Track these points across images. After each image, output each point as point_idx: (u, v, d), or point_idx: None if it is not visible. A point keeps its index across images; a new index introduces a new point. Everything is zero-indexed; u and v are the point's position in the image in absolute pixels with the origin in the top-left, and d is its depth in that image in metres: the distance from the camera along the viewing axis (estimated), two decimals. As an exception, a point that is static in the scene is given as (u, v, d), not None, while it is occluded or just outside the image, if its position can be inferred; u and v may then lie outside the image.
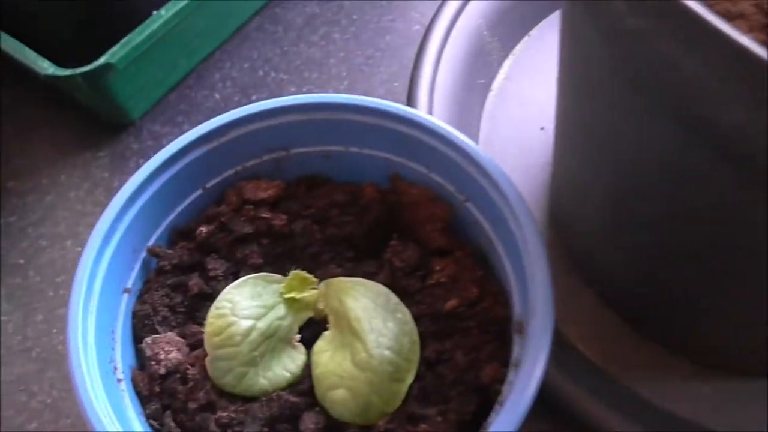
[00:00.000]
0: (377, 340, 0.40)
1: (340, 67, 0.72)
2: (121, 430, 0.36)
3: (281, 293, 0.43)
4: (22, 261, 0.62)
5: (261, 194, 0.47)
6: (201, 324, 0.43)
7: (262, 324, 0.40)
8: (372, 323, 0.40)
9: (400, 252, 0.45)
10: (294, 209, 0.47)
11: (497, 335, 0.41)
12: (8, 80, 0.73)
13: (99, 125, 0.69)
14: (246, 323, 0.39)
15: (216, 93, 0.72)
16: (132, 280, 0.45)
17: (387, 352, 0.39)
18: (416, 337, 0.41)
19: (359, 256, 0.47)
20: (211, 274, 0.45)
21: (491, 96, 0.67)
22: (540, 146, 0.62)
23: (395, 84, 0.71)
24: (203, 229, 0.44)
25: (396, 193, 0.47)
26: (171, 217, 0.47)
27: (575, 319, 0.54)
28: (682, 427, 0.46)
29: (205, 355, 0.38)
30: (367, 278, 0.44)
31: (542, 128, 0.63)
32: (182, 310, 0.44)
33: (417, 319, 0.42)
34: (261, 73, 0.72)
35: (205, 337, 0.38)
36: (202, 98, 0.71)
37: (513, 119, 0.65)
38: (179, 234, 0.47)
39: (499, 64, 0.68)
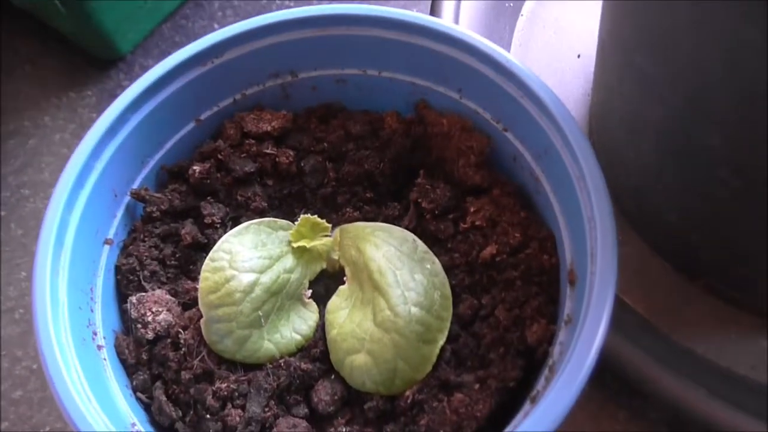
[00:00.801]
0: (403, 295, 0.34)
1: (353, -9, 0.65)
2: (98, 407, 0.30)
3: (289, 241, 0.38)
4: (3, 213, 0.57)
5: (264, 126, 0.41)
6: (195, 279, 0.38)
7: (266, 278, 0.36)
8: (397, 275, 0.35)
9: (428, 191, 0.39)
10: (303, 144, 0.42)
11: (544, 288, 0.36)
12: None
13: (86, 61, 0.63)
14: (247, 277, 0.35)
15: (215, 23, 0.66)
16: (114, 229, 0.39)
17: (415, 309, 0.34)
18: (448, 291, 0.36)
19: (380, 198, 0.41)
20: (207, 220, 0.39)
21: (522, 21, 0.60)
22: (577, 76, 0.56)
23: (415, 8, 0.64)
24: (197, 168, 0.40)
25: (422, 123, 0.42)
26: (159, 154, 0.41)
27: (620, 270, 0.49)
28: (741, 383, 0.42)
29: (200, 316, 0.34)
30: (389, 223, 0.39)
31: (579, 56, 0.57)
32: (173, 263, 0.39)
33: (449, 269, 0.37)
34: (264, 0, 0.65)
35: (200, 294, 0.35)
36: (199, 29, 0.65)
37: (546, 46, 0.59)
38: (169, 174, 0.41)
39: (531, -16, 0.61)
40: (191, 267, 0.39)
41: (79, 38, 0.62)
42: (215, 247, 0.35)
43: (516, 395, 0.33)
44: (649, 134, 0.41)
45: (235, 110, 0.42)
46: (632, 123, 0.43)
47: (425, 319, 0.34)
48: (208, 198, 0.40)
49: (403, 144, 0.41)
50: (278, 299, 0.36)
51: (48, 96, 0.62)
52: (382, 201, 0.41)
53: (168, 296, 0.37)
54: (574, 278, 0.34)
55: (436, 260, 0.36)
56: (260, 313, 0.34)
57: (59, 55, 0.64)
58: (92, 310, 0.36)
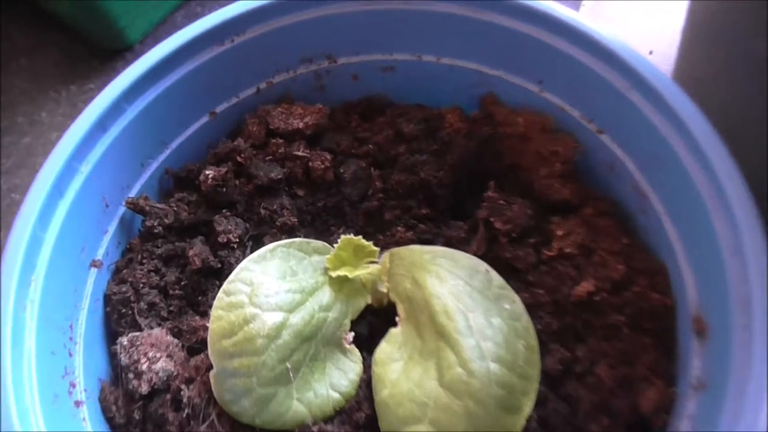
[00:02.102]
0: (479, 347, 0.27)
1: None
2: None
3: (325, 269, 0.31)
4: (-11, 219, 0.50)
5: (295, 123, 0.35)
6: (205, 315, 0.31)
7: (297, 318, 0.29)
8: (469, 319, 0.28)
9: (501, 208, 0.32)
10: (342, 145, 0.36)
11: (658, 338, 0.29)
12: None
13: (88, 52, 0.58)
14: (273, 318, 0.28)
15: (235, 10, 0.59)
16: (103, 248, 0.32)
17: (494, 366, 0.27)
18: (535, 341, 0.29)
19: (438, 215, 0.35)
20: (222, 239, 0.33)
21: (582, 11, 0.56)
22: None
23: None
24: (210, 172, 0.34)
25: (491, 122, 0.35)
26: (163, 155, 0.35)
27: None
28: None
29: (210, 366, 0.28)
30: (452, 247, 0.32)
31: (651, 52, 0.52)
32: (178, 293, 0.32)
33: (531, 310, 0.30)
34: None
35: (210, 338, 0.28)
36: (217, 17, 0.58)
37: None
38: (175, 180, 0.36)
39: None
40: (200, 298, 0.33)
41: (83, 25, 0.57)
42: (232, 276, 0.30)
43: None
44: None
45: (258, 102, 0.37)
46: (734, 122, 0.35)
47: (507, 378, 0.27)
48: (224, 210, 0.35)
49: (467, 147, 0.35)
50: (312, 346, 0.29)
51: (45, 90, 0.57)
52: (442, 219, 0.35)
53: (169, 337, 0.31)
54: (704, 328, 0.28)
55: (517, 298, 0.30)
56: (288, 365, 0.28)
57: (59, 45, 0.59)
58: (71, 354, 0.30)
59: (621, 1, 0.55)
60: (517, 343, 0.28)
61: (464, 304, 0.28)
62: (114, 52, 0.57)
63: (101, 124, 0.31)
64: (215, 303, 0.29)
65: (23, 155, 0.54)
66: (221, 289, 0.29)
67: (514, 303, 0.29)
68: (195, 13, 0.59)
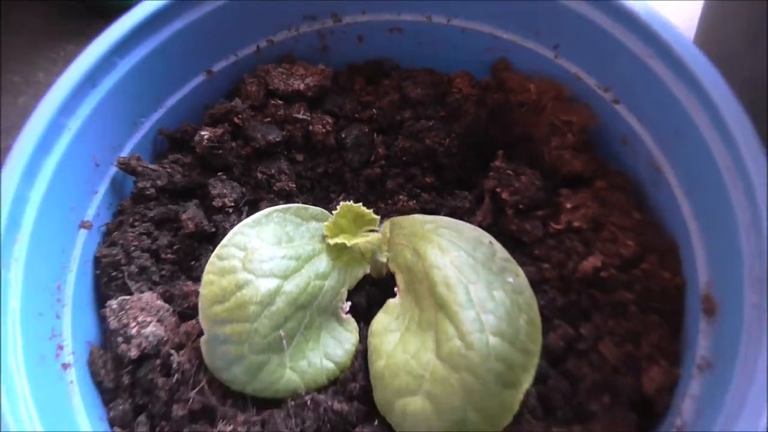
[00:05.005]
0: (479, 320, 0.26)
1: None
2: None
3: (323, 236, 0.30)
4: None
5: (296, 84, 0.34)
6: (198, 280, 0.30)
7: (291, 285, 0.28)
8: (470, 291, 0.27)
9: (509, 179, 0.31)
10: (345, 109, 0.35)
11: (666, 317, 0.28)
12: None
13: (87, 8, 0.57)
14: (267, 284, 0.27)
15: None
16: (93, 208, 0.31)
17: (494, 340, 0.26)
18: (537, 316, 0.28)
19: (444, 184, 0.34)
20: (216, 202, 0.32)
21: None
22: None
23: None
24: (206, 133, 0.32)
25: (502, 89, 0.34)
26: (157, 114, 0.34)
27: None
28: None
29: (201, 332, 0.27)
30: (457, 218, 0.31)
31: None
32: (170, 257, 0.31)
33: (535, 284, 0.29)
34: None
35: (201, 303, 0.27)
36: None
37: None
38: (170, 141, 0.34)
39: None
40: (193, 263, 0.32)
41: None
42: (225, 240, 0.29)
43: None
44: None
45: (258, 61, 0.35)
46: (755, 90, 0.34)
47: (508, 353, 0.26)
48: (219, 174, 0.34)
49: (476, 115, 0.34)
50: (306, 314, 0.28)
51: (41, 49, 0.56)
52: (447, 189, 0.34)
53: (160, 302, 0.30)
54: (713, 307, 0.27)
55: (521, 272, 0.29)
56: (282, 332, 0.28)
57: (56, 3, 0.57)
58: (58, 316, 0.29)
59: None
60: (518, 318, 0.27)
61: (466, 276, 0.27)
62: (112, 9, 0.55)
63: (91, 79, 0.29)
64: (207, 267, 0.28)
65: (19, 116, 0.52)
66: (214, 254, 0.28)
67: (518, 276, 0.28)
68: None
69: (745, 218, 0.25)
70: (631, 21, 0.29)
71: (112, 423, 0.28)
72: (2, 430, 0.23)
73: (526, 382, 0.27)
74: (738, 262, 0.25)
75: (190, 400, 0.27)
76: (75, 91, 0.29)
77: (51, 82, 0.53)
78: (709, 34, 0.41)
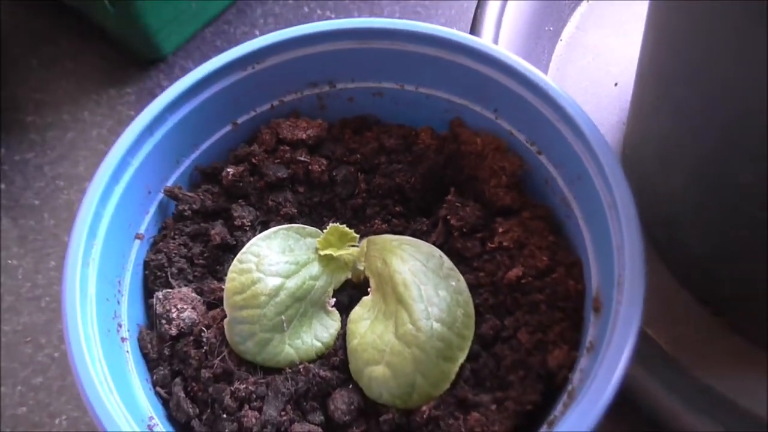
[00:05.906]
0: (426, 310, 0.34)
1: (393, 7, 0.65)
2: (118, 398, 0.30)
3: (316, 249, 0.38)
4: (36, 202, 0.58)
5: (299, 134, 0.41)
6: (221, 280, 0.38)
7: (291, 283, 0.36)
8: (421, 290, 0.35)
9: (457, 209, 0.39)
10: (336, 154, 0.42)
11: (568, 314, 0.35)
12: (33, 10, 0.68)
13: (127, 60, 0.64)
14: (273, 281, 0.35)
15: (256, 30, 0.66)
16: (145, 224, 0.39)
17: (437, 325, 0.34)
18: (472, 310, 0.35)
19: (409, 212, 0.41)
20: (237, 222, 0.40)
21: (560, 45, 0.60)
22: (613, 103, 0.56)
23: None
24: (231, 170, 0.40)
25: (456, 141, 0.41)
26: (194, 155, 0.41)
27: (646, 300, 0.49)
28: (760, 423, 0.41)
29: (224, 316, 0.35)
30: (417, 237, 0.38)
31: (617, 84, 0.57)
32: (201, 262, 0.39)
33: (473, 288, 0.36)
34: (306, 9, 0.66)
35: (225, 294, 0.35)
36: (241, 35, 0.66)
37: (584, 72, 0.59)
38: (203, 175, 0.42)
39: (572, 10, 0.61)
40: (218, 267, 0.39)
41: (124, 37, 0.62)
42: (244, 249, 0.36)
43: (533, 419, 0.33)
44: (682, 166, 0.40)
45: (271, 116, 0.42)
46: (666, 154, 0.42)
47: (446, 335, 0.34)
48: (240, 201, 0.40)
49: (435, 160, 0.41)
50: (302, 305, 0.36)
51: (87, 92, 0.63)
52: (411, 216, 0.41)
53: (194, 294, 0.37)
54: (599, 306, 0.34)
55: (461, 278, 0.36)
56: (283, 317, 0.34)
57: (100, 53, 0.65)
58: (119, 303, 0.36)
59: (597, 34, 0.59)
60: (456, 311, 0.34)
61: (419, 279, 0.34)
62: (149, 62, 0.63)
63: (149, 129, 0.37)
64: (230, 269, 0.35)
65: (67, 148, 0.60)
66: (236, 258, 0.35)
67: (459, 281, 0.35)
68: (222, 30, 0.66)
69: (617, 242, 0.32)
70: (545, 96, 0.36)
71: (155, 384, 0.35)
72: (83, 378, 0.32)
73: (461, 358, 0.34)
74: (612, 273, 0.32)
75: (215, 366, 0.34)
76: (138, 137, 0.37)
77: (94, 121, 0.62)
78: (636, 95, 0.49)
